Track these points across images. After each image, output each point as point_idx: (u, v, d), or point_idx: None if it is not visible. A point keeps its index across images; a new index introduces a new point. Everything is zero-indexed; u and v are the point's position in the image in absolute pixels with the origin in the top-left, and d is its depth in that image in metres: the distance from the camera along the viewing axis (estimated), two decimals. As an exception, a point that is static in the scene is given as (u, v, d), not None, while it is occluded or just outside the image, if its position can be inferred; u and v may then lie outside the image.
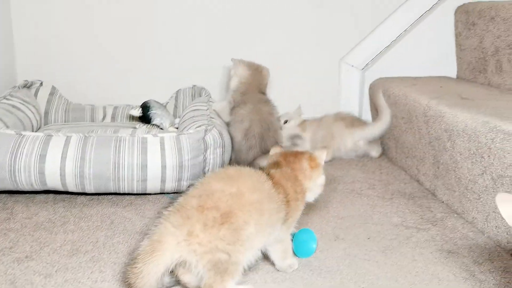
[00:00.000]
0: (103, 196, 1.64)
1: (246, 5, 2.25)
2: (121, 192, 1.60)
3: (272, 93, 2.30)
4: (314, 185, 1.23)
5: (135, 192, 1.60)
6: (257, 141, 1.82)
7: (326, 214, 1.54)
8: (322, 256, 1.28)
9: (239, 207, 1.04)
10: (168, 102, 2.25)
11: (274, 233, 1.13)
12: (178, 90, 2.26)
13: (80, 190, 1.57)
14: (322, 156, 1.25)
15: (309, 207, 1.58)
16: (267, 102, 1.93)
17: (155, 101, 2.04)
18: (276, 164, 1.22)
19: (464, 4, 2.18)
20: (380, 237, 1.38)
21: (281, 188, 1.14)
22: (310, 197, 1.25)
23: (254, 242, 1.09)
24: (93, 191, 1.57)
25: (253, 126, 1.83)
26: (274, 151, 1.29)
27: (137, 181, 1.57)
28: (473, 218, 1.45)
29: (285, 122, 2.12)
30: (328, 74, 2.29)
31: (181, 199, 1.08)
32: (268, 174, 1.16)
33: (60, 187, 1.56)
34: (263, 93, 1.98)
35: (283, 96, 2.30)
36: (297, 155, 1.24)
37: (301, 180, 1.20)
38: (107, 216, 1.49)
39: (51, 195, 1.64)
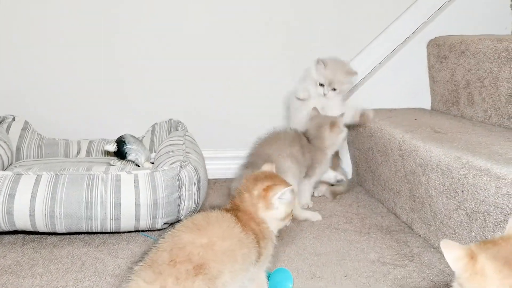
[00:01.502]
0: (74, 236, 1.60)
1: (221, 34, 2.26)
2: (94, 231, 1.56)
3: (249, 126, 2.31)
4: (270, 218, 1.16)
5: (108, 230, 1.57)
6: None
7: (303, 251, 1.52)
8: (298, 296, 1.26)
9: (212, 257, 1.02)
10: (144, 136, 2.23)
11: (248, 276, 1.11)
12: (155, 124, 2.24)
13: (50, 230, 1.53)
14: (277, 190, 1.15)
15: (286, 244, 1.56)
16: None
17: (131, 136, 2.02)
18: (237, 199, 1.19)
19: (435, 37, 2.22)
20: (357, 275, 1.37)
21: (250, 230, 1.12)
22: (273, 230, 1.19)
23: None
24: (64, 230, 1.53)
25: None
26: (265, 167, 1.26)
27: (110, 219, 1.54)
28: (449, 253, 1.45)
29: None
30: (305, 106, 2.30)
31: (151, 254, 1.05)
32: (235, 216, 1.14)
33: (29, 228, 1.51)
34: None
35: (262, 127, 2.31)
36: (257, 181, 1.18)
37: (257, 213, 1.16)
38: (78, 257, 1.45)
39: (20, 236, 1.59)
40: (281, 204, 1.16)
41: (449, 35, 2.19)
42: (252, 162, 1.82)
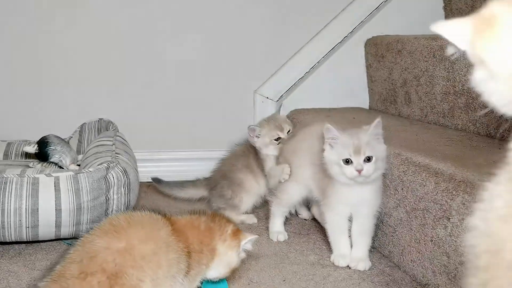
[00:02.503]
0: (-15, 247, 1.43)
1: (157, 35, 2.15)
2: (7, 240, 1.40)
3: (186, 127, 2.21)
4: (223, 256, 1.10)
5: (24, 240, 1.42)
6: None
7: (240, 256, 1.44)
8: (234, 304, 1.17)
9: (130, 263, 0.92)
10: (71, 137, 2.07)
11: (176, 286, 1.01)
12: (83, 124, 2.09)
13: (-44, 241, 1.36)
14: (245, 239, 1.13)
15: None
16: None
17: (55, 136, 1.86)
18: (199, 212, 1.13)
19: (373, 37, 2.22)
20: (296, 279, 1.30)
21: (183, 236, 1.02)
22: (213, 273, 1.11)
23: None
24: (-28, 241, 1.37)
25: None
26: None
27: (26, 227, 1.39)
28: (389, 252, 1.42)
29: None
30: (243, 106, 2.23)
31: (59, 267, 0.94)
32: (169, 219, 1.04)
33: None
34: None
35: (196, 129, 2.21)
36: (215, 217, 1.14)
37: (214, 238, 1.08)
38: (-12, 271, 1.29)
39: None
40: (242, 253, 1.13)
41: (386, 35, 2.19)
42: (211, 178, 1.84)
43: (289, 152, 1.61)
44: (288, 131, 1.77)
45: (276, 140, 1.74)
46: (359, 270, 1.34)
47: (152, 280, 0.94)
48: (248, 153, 1.80)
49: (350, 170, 1.28)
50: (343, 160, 1.29)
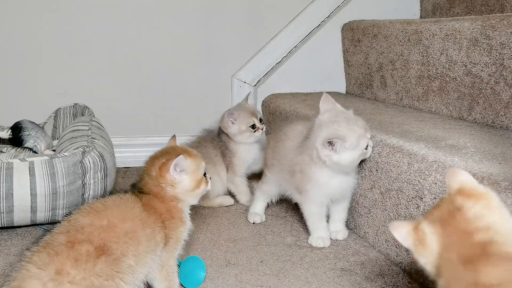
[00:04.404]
0: (-41, 233, 1.41)
1: (132, 20, 2.12)
2: (-18, 226, 1.38)
3: (163, 112, 2.20)
4: (181, 193, 1.10)
5: (-1, 225, 1.40)
6: None
7: (217, 238, 1.45)
8: (211, 285, 1.18)
9: (114, 239, 0.94)
10: (46, 122, 2.04)
11: (156, 260, 1.04)
12: (58, 109, 2.06)
13: None
14: (170, 165, 1.08)
15: (200, 231, 1.48)
16: None
17: (29, 121, 1.83)
18: (139, 183, 1.13)
19: (349, 21, 2.24)
20: (273, 259, 1.32)
21: (152, 209, 1.05)
22: (187, 204, 1.13)
23: (136, 275, 0.99)
24: None
25: None
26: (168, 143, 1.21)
27: (1, 213, 1.37)
28: (364, 233, 1.44)
29: None
30: (220, 90, 2.23)
31: (46, 237, 0.95)
32: (137, 196, 1.06)
33: None
34: None
35: (173, 114, 2.20)
36: (154, 161, 1.12)
37: (165, 191, 1.09)
38: (-38, 257, 1.27)
39: None
40: (183, 175, 1.10)
41: (362, 19, 2.21)
42: None
43: (269, 151, 1.60)
44: (260, 120, 1.77)
45: (252, 127, 1.74)
46: (335, 251, 1.37)
47: (134, 256, 0.96)
48: (206, 143, 1.79)
49: (369, 151, 1.34)
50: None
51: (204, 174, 1.16)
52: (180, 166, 1.09)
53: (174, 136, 1.24)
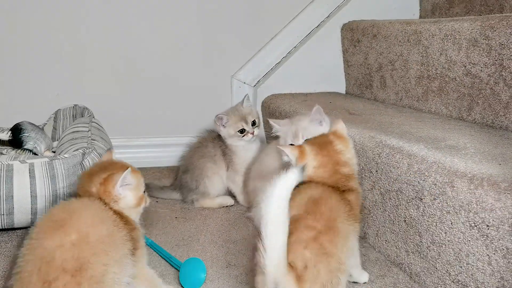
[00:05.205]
0: (-41, 235, 1.41)
1: (132, 21, 2.12)
2: (-18, 228, 1.38)
3: (163, 112, 2.20)
4: (124, 208, 1.05)
5: (0, 227, 1.40)
6: None
7: (217, 239, 1.45)
8: (212, 286, 1.18)
9: (91, 251, 0.88)
10: (46, 123, 2.04)
11: (129, 270, 0.97)
12: (58, 110, 2.06)
13: None
14: (117, 179, 1.03)
15: (200, 232, 1.49)
16: None
17: (29, 123, 1.83)
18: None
19: (349, 22, 2.24)
20: (273, 260, 1.32)
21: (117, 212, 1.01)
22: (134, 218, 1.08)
23: (122, 282, 0.94)
24: None
25: None
26: (104, 157, 1.16)
27: (1, 214, 1.37)
28: (365, 233, 1.45)
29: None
30: (220, 91, 2.23)
31: (15, 282, 0.87)
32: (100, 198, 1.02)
33: None
34: None
35: (174, 115, 2.20)
36: (91, 177, 1.05)
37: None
38: (-38, 259, 1.27)
39: None
40: (127, 191, 1.05)
41: (362, 20, 2.21)
42: (177, 177, 1.85)
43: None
44: (253, 123, 1.75)
45: (241, 132, 1.73)
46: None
47: (116, 262, 0.91)
48: (206, 143, 1.80)
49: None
50: None
51: (144, 191, 1.12)
52: (127, 180, 1.04)
53: (110, 149, 1.19)
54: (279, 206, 0.84)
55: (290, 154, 1.09)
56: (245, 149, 1.77)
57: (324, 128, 1.43)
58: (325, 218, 0.95)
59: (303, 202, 0.98)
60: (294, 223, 0.90)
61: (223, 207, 1.73)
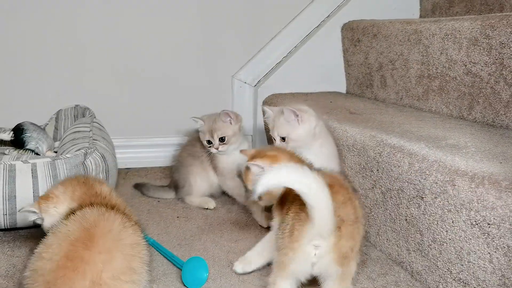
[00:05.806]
0: (-38, 235, 1.42)
1: (132, 21, 2.12)
2: (-15, 228, 1.39)
3: (164, 112, 2.20)
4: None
5: (2, 227, 1.41)
6: None
7: (219, 238, 1.45)
8: (214, 285, 1.19)
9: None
10: (47, 123, 2.04)
11: None
12: (59, 110, 2.07)
13: None
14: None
15: (201, 231, 1.49)
16: None
17: (31, 123, 1.84)
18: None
19: (349, 21, 2.24)
20: (275, 259, 1.32)
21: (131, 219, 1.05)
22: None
23: None
24: (-52, 229, 1.35)
25: None
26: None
27: (3, 214, 1.37)
28: (366, 232, 1.45)
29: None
30: (221, 91, 2.23)
31: None
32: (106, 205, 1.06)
33: None
34: None
35: (175, 114, 2.21)
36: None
37: None
38: (-35, 259, 1.28)
39: None
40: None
41: (362, 19, 2.21)
42: (173, 164, 1.88)
43: None
44: (222, 139, 1.69)
45: (208, 143, 1.71)
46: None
47: (143, 264, 0.97)
48: (195, 142, 1.80)
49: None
50: None
51: None
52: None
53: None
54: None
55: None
56: (225, 156, 1.74)
57: (303, 126, 1.46)
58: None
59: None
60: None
61: (204, 208, 1.72)
